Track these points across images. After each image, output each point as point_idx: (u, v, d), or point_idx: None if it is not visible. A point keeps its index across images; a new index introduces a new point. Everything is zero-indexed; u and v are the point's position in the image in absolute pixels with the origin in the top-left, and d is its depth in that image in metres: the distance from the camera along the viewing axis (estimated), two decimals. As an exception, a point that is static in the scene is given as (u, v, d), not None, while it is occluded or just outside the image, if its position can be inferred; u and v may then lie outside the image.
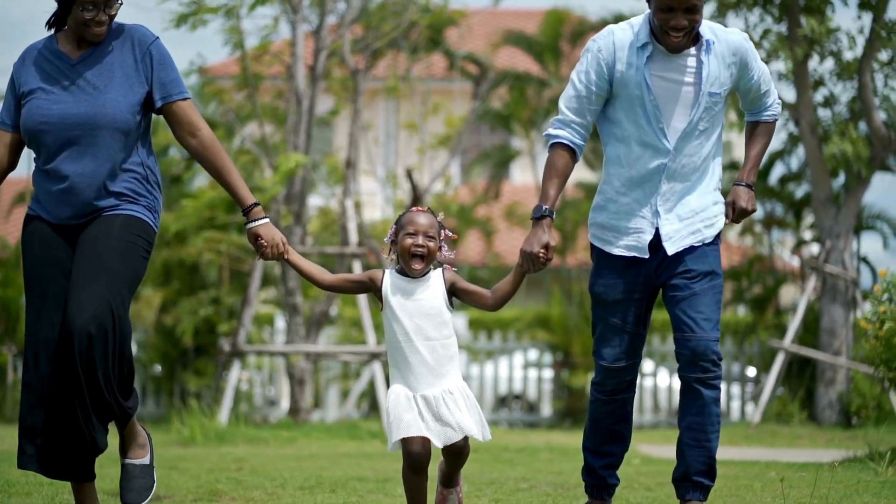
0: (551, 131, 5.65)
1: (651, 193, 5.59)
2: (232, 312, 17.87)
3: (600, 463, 5.77)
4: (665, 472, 7.82)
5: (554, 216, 5.52)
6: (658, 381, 20.83)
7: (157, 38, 5.50)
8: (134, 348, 19.25)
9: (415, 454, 5.18)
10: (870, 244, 51.58)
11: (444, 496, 5.51)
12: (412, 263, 5.31)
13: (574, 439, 14.64)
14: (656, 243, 5.61)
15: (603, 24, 22.04)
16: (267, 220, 5.50)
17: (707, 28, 5.59)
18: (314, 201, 20.69)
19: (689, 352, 5.51)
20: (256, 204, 5.50)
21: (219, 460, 9.87)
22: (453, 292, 5.36)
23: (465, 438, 5.26)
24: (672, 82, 5.55)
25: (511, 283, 5.41)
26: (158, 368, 19.02)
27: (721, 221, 5.68)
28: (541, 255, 5.40)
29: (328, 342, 18.81)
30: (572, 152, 5.62)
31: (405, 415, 5.19)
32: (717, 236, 5.69)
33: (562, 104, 5.66)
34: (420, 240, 5.31)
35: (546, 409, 21.09)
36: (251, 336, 17.05)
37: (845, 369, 16.62)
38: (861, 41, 16.04)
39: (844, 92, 16.76)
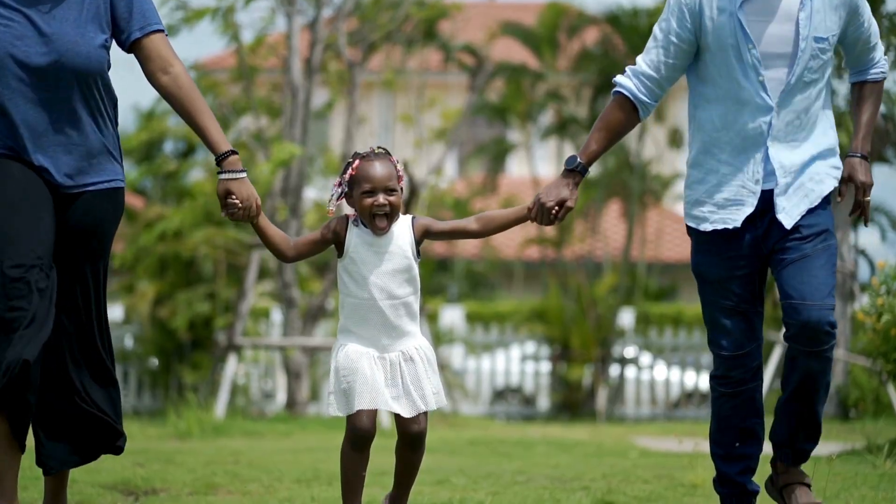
0: (618, 78, 5.00)
1: (755, 160, 4.92)
2: (228, 306, 17.84)
3: (736, 469, 5.11)
4: (663, 465, 7.80)
5: (587, 173, 4.93)
6: (655, 374, 20.83)
7: None
8: (130, 342, 19.23)
9: (363, 429, 4.62)
10: (868, 236, 51.62)
11: None
12: (376, 224, 4.68)
13: (571, 433, 14.61)
14: (762, 209, 4.94)
15: (601, 17, 21.94)
16: (244, 174, 4.67)
17: None
18: (310, 194, 20.66)
19: (800, 323, 4.90)
20: (233, 152, 4.68)
21: (215, 454, 9.83)
22: (428, 238, 4.79)
23: (425, 419, 4.73)
24: (772, 27, 4.87)
25: (508, 216, 4.84)
26: (155, 362, 18.99)
27: (833, 180, 5.07)
28: (553, 210, 4.86)
29: (325, 335, 18.78)
30: (633, 109, 4.96)
31: (371, 380, 4.65)
32: (829, 195, 5.05)
33: (639, 56, 5.00)
34: (381, 198, 4.66)
35: (543, 403, 21.08)
36: (247, 329, 17.02)
37: (843, 362, 16.60)
38: (859, 33, 16.01)
39: (842, 84, 16.73)
